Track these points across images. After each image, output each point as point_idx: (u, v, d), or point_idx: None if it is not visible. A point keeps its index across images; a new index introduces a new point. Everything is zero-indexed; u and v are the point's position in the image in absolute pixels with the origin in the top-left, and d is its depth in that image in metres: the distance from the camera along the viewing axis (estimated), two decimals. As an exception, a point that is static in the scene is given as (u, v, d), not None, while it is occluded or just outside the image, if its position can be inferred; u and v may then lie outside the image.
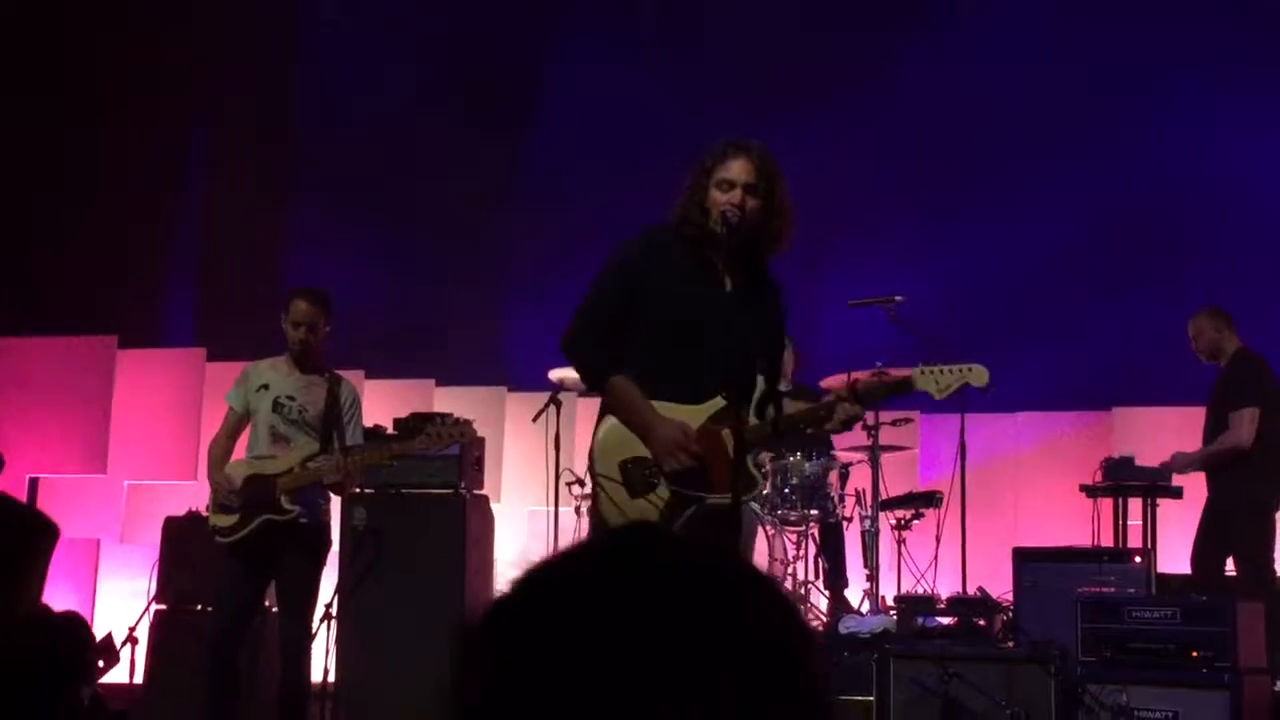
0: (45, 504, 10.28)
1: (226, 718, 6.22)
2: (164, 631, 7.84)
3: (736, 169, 4.51)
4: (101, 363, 10.39)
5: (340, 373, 6.68)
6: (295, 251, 10.84)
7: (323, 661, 6.94)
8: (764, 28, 10.48)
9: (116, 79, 10.85)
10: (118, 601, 9.19)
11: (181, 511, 8.32)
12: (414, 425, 7.88)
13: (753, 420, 4.47)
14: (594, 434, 4.59)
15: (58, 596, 9.76)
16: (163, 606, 7.94)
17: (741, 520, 4.43)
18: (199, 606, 7.83)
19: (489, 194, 10.78)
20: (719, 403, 4.46)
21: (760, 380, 4.55)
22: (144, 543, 9.39)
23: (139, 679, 7.57)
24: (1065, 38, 10.16)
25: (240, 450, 6.57)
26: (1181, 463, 8.01)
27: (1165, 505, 8.25)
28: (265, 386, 6.43)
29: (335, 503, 6.73)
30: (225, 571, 6.38)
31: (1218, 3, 10.03)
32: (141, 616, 7.78)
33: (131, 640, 7.50)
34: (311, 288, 6.53)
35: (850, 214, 9.83)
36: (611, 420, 4.56)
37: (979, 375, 4.59)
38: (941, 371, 4.59)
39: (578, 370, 4.76)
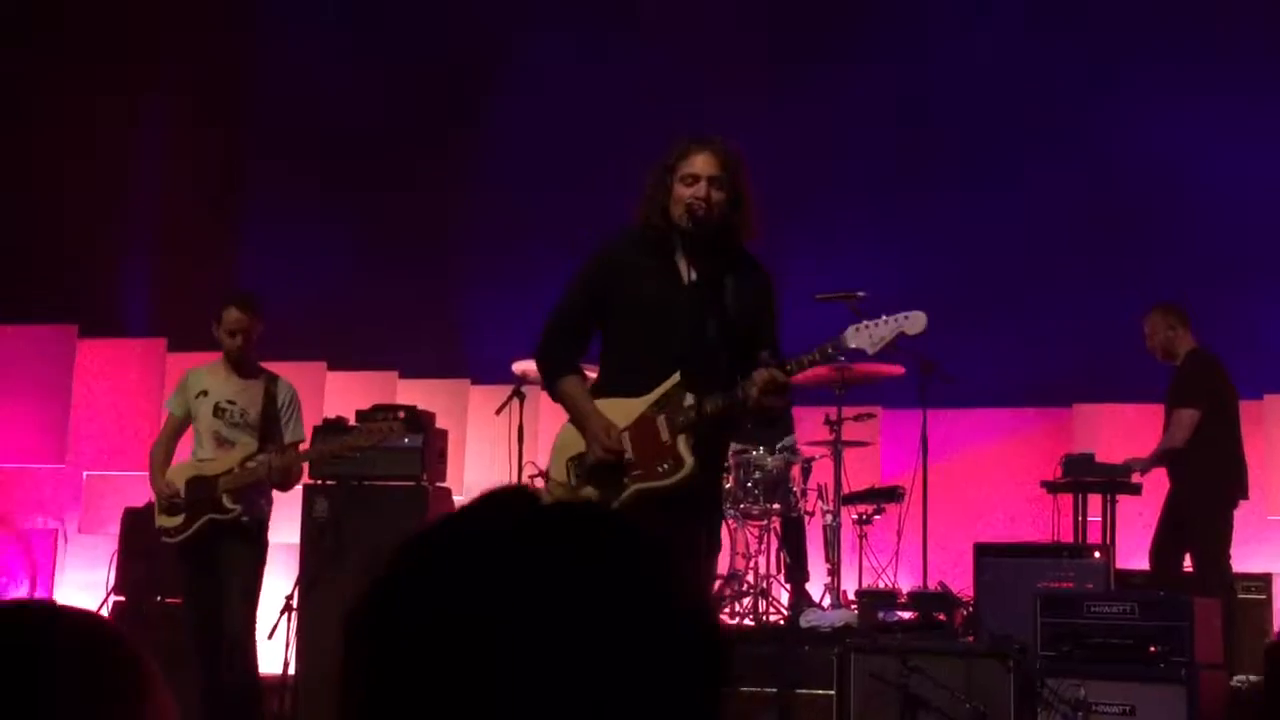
0: (3, 494, 10.21)
1: (218, 705, 6.27)
2: (123, 622, 7.78)
3: (700, 163, 4.56)
4: (61, 352, 10.32)
5: (288, 365, 6.86)
6: (257, 242, 10.77)
7: (283, 653, 6.92)
8: (726, 16, 10.47)
9: (70, 64, 10.76)
10: (76, 592, 9.13)
11: (141, 503, 8.27)
12: (375, 417, 7.88)
13: (688, 403, 4.51)
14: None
15: (15, 588, 9.69)
16: (121, 598, 7.90)
17: (696, 504, 4.49)
18: (158, 598, 7.79)
19: (452, 185, 10.74)
20: (664, 389, 4.54)
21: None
22: (103, 533, 9.33)
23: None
24: (1030, 32, 10.18)
25: (184, 453, 6.69)
26: (1136, 466, 8.09)
27: (1125, 501, 8.31)
28: (204, 393, 6.56)
29: (279, 502, 6.75)
30: (183, 576, 6.56)
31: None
32: (100, 608, 7.74)
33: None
34: (241, 293, 6.68)
35: (813, 207, 9.84)
36: (567, 422, 4.78)
37: (915, 321, 4.48)
38: (875, 325, 4.50)
39: (541, 377, 4.91)
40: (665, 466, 4.49)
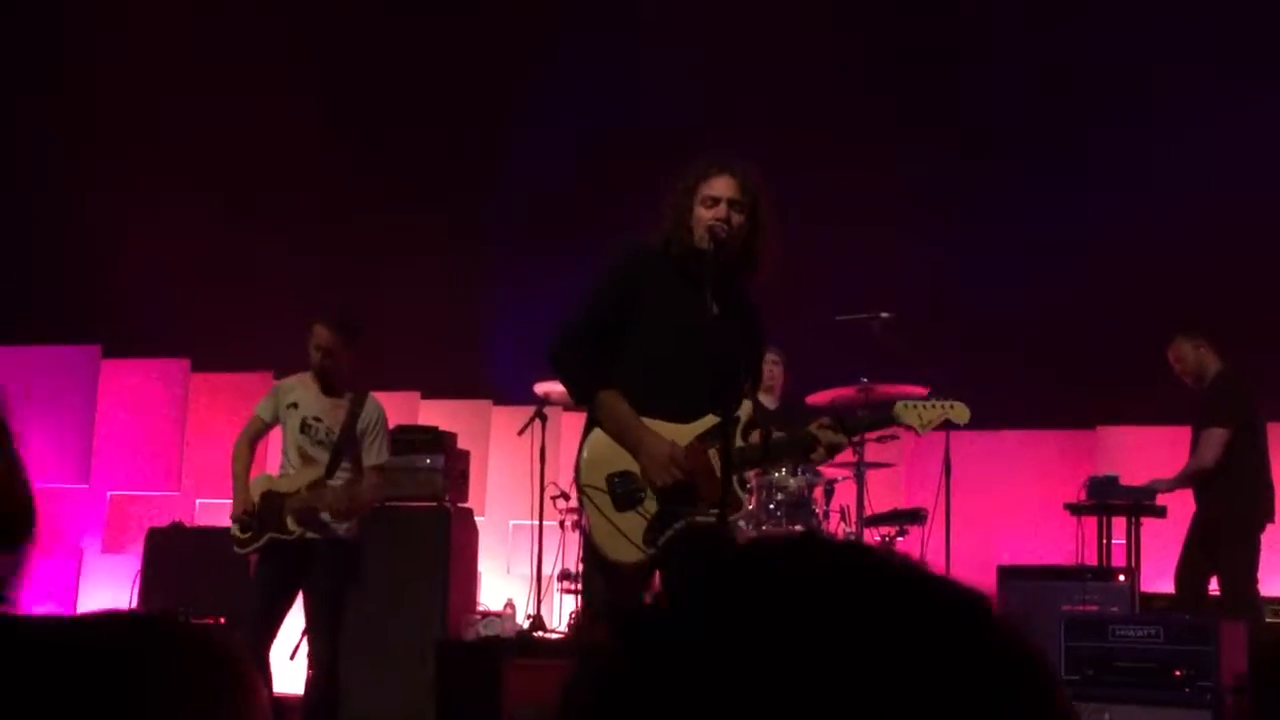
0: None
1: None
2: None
3: (721, 185, 4.53)
4: (85, 372, 10.36)
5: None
6: (279, 263, 10.78)
7: (305, 674, 6.92)
8: (750, 28, 10.46)
9: (102, 84, 10.82)
10: (99, 612, 9.14)
11: (164, 522, 8.30)
12: (400, 438, 7.91)
13: (739, 442, 4.48)
14: (580, 446, 4.61)
15: (39, 608, 9.71)
16: (144, 618, 7.90)
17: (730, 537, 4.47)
18: (181, 618, 7.80)
19: (475, 206, 10.76)
20: (708, 422, 4.49)
21: (746, 404, 4.57)
22: (127, 553, 9.35)
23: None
24: (1056, 50, 10.15)
25: (264, 466, 6.63)
26: (1160, 487, 8.05)
27: (1149, 524, 8.26)
28: (295, 405, 6.48)
29: None
30: (258, 577, 6.39)
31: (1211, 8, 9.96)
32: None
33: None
34: (334, 314, 6.52)
35: (837, 228, 9.82)
36: (598, 433, 4.57)
37: (961, 413, 4.77)
38: (925, 406, 4.76)
39: (565, 381, 4.78)
40: (724, 504, 4.35)
